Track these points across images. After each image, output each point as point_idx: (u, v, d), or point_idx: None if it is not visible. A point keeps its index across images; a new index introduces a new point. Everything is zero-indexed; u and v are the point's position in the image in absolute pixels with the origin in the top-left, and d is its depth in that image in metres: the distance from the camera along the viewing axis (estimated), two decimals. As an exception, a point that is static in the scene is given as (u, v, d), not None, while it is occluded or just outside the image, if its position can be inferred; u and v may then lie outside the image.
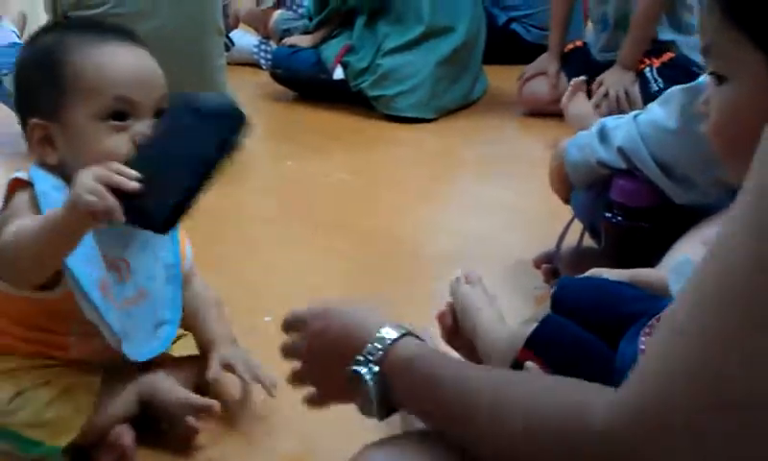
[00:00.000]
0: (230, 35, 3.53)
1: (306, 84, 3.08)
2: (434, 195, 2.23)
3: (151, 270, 1.10)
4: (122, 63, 1.03)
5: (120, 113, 1.00)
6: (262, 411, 1.18)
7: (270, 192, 2.25)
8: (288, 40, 3.12)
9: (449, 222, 2.04)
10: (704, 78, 1.32)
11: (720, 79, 0.70)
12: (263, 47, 3.61)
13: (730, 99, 0.69)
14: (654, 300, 0.96)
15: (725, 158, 0.72)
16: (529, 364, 0.89)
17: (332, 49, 2.96)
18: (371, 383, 0.76)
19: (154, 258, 1.11)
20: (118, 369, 1.10)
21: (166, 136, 0.96)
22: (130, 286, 1.07)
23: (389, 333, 0.78)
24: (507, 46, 3.56)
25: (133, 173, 0.89)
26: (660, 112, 1.33)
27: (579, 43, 2.91)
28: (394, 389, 0.76)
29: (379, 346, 0.77)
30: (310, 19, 3.12)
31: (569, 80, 2.78)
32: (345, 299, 0.87)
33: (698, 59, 2.61)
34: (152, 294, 1.10)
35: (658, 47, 2.61)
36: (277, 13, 3.49)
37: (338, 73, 2.92)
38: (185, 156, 0.92)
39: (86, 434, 1.03)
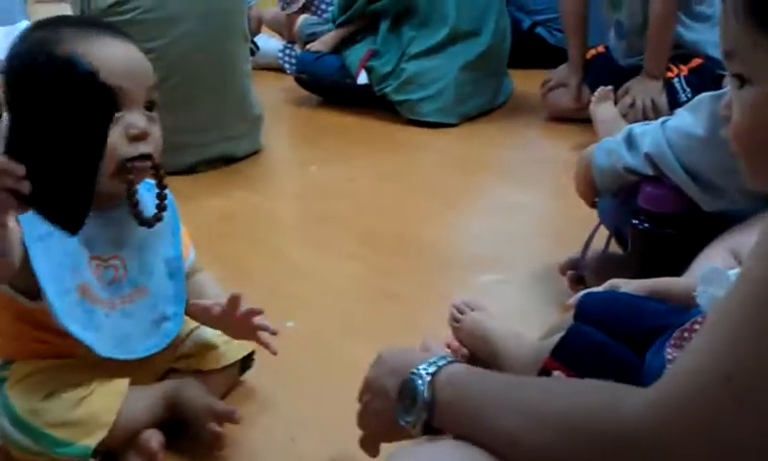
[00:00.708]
0: (255, 39, 3.55)
1: (331, 89, 3.09)
2: (459, 200, 2.23)
3: (150, 265, 1.10)
4: (111, 54, 1.02)
5: None
6: (285, 413, 1.19)
7: (294, 197, 2.26)
8: (311, 46, 3.14)
9: (474, 227, 2.04)
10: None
11: (742, 81, 0.69)
12: (288, 52, 3.62)
13: (751, 101, 0.69)
14: (677, 313, 0.95)
15: (746, 161, 0.72)
16: (556, 374, 0.89)
17: (356, 54, 2.96)
18: (421, 389, 0.78)
19: (153, 254, 1.11)
20: (145, 372, 1.11)
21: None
22: (125, 284, 1.07)
23: (438, 361, 0.80)
24: (531, 50, 3.55)
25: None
26: (688, 119, 1.32)
27: (601, 48, 2.87)
28: (441, 400, 0.78)
29: (431, 366, 0.79)
30: (334, 22, 3.12)
31: (592, 90, 2.77)
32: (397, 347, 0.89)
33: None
34: (151, 290, 1.10)
35: (683, 52, 2.58)
36: (302, 18, 3.50)
37: (362, 78, 2.93)
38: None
39: (115, 436, 1.04)
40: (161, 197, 1.10)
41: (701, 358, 0.61)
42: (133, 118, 1.02)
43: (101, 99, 0.83)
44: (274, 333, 1.11)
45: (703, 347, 0.62)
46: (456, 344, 1.28)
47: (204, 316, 1.12)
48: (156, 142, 1.08)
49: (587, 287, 1.27)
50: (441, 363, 0.79)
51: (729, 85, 0.73)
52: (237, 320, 1.10)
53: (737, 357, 0.58)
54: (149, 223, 1.07)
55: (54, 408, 1.01)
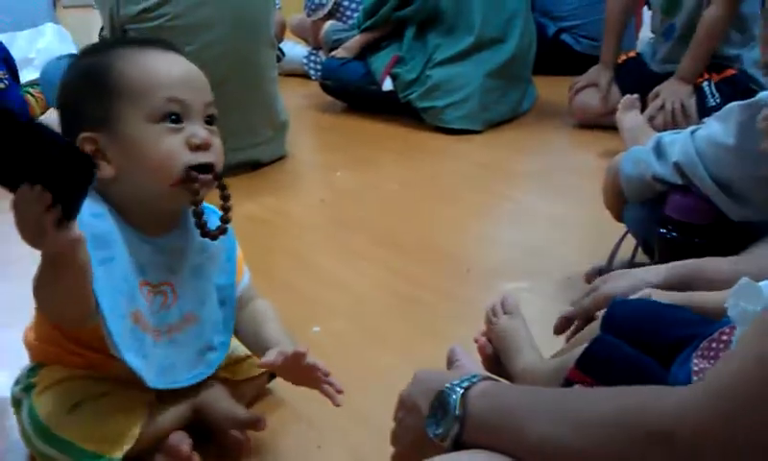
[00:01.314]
0: (281, 46, 3.57)
1: (355, 96, 3.10)
2: (484, 207, 2.23)
3: (202, 293, 1.08)
4: (169, 66, 1.02)
5: (173, 115, 0.99)
6: (311, 420, 1.19)
7: (319, 202, 2.27)
8: (335, 53, 3.15)
9: (500, 234, 2.04)
10: (762, 94, 1.30)
11: None
12: (312, 58, 3.64)
13: None
14: (706, 323, 0.94)
15: None
16: (577, 387, 0.89)
17: (382, 60, 2.97)
18: (453, 401, 0.78)
19: (206, 280, 1.09)
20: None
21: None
22: (174, 311, 1.05)
23: (472, 378, 0.81)
24: (557, 57, 3.54)
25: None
26: (717, 128, 1.31)
27: (632, 54, 2.87)
28: (475, 414, 0.78)
29: (465, 381, 0.80)
30: (359, 28, 3.14)
31: (622, 92, 2.76)
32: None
33: (760, 76, 2.56)
34: (201, 318, 1.08)
35: (719, 62, 2.57)
36: (328, 24, 3.52)
37: (387, 84, 2.94)
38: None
39: (142, 440, 1.04)
40: (226, 209, 1.07)
41: (743, 360, 0.61)
42: (195, 128, 1.00)
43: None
44: (340, 392, 1.08)
45: (751, 352, 0.62)
46: (483, 340, 1.28)
47: (265, 365, 1.08)
48: (219, 155, 1.05)
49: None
50: (475, 379, 0.80)
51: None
52: (300, 372, 1.07)
53: None
54: (212, 235, 1.04)
55: (80, 421, 1.01)
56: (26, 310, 1.09)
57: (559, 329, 1.20)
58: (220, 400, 1.11)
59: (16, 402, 1.08)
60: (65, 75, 1.05)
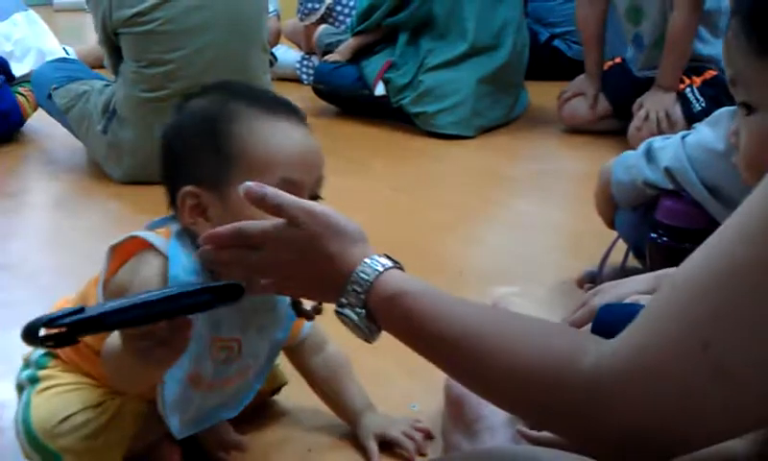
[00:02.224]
0: (274, 50, 3.57)
1: (348, 100, 3.10)
2: (475, 211, 2.23)
3: (257, 348, 1.06)
4: (292, 143, 0.96)
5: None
6: (302, 424, 1.19)
7: (311, 207, 2.26)
8: (328, 58, 3.15)
9: (491, 239, 2.04)
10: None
11: (749, 109, 0.69)
12: (305, 63, 3.64)
13: (759, 128, 0.69)
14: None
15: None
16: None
17: (374, 65, 2.97)
18: (357, 321, 0.78)
19: (266, 338, 1.07)
20: None
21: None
22: (234, 366, 1.04)
23: (373, 265, 0.79)
24: (549, 62, 3.56)
25: None
26: (708, 134, 1.32)
27: (618, 60, 2.88)
28: (381, 323, 0.78)
29: (365, 279, 0.78)
30: (352, 32, 3.14)
31: (609, 99, 2.78)
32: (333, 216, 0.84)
33: None
34: (252, 370, 1.07)
35: (698, 64, 2.58)
36: (321, 28, 3.52)
37: (379, 89, 2.94)
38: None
39: (132, 448, 1.04)
40: (297, 304, 1.03)
41: (678, 322, 0.59)
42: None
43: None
44: None
45: (679, 311, 0.59)
46: None
47: None
48: None
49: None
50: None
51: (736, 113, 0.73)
52: None
53: (719, 327, 0.56)
54: (309, 316, 1.00)
55: (69, 433, 1.00)
56: (24, 311, 1.09)
57: None
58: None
59: (20, 388, 1.09)
60: (180, 114, 1.01)
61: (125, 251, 0.98)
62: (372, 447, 1.12)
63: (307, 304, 0.97)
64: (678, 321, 0.58)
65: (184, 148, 0.98)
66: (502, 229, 2.12)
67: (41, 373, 1.07)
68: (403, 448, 1.12)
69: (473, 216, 2.20)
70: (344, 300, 0.79)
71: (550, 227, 2.07)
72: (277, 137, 0.96)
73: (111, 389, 1.04)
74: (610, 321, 1.02)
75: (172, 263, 0.93)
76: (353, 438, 1.15)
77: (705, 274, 0.59)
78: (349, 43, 3.08)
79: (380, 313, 0.77)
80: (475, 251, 1.96)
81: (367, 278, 0.78)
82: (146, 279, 0.93)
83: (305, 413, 1.21)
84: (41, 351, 1.08)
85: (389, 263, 0.79)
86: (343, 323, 0.80)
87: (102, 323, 0.74)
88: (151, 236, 0.96)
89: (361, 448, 1.13)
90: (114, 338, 0.89)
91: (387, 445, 1.13)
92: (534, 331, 0.69)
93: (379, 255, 0.80)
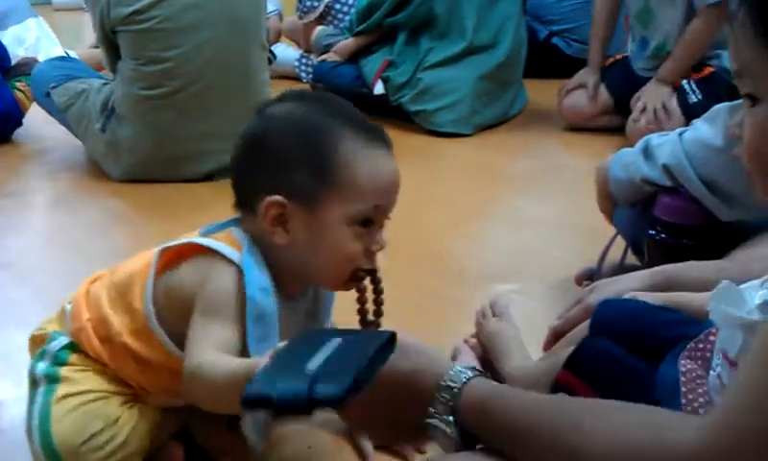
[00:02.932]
0: (273, 48, 3.57)
1: (346, 98, 3.08)
2: (475, 210, 2.23)
3: None
4: (386, 173, 0.98)
5: (368, 220, 0.97)
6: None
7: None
8: (327, 57, 3.15)
9: (490, 236, 2.04)
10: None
11: (754, 100, 0.69)
12: (304, 61, 3.64)
13: (763, 120, 0.69)
14: (693, 324, 0.95)
15: (758, 179, 0.71)
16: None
17: (373, 63, 2.97)
18: (448, 431, 0.78)
19: None
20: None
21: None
22: None
23: (459, 376, 0.79)
24: (547, 60, 3.55)
25: None
26: (705, 130, 1.33)
27: (620, 56, 2.89)
28: (472, 429, 0.78)
29: (452, 390, 0.78)
30: (350, 32, 3.14)
31: (610, 93, 2.79)
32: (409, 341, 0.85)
33: None
34: None
35: (697, 63, 2.59)
36: (319, 29, 3.52)
37: (378, 88, 2.94)
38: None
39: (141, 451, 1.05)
40: (379, 303, 1.06)
41: (751, 391, 0.62)
42: (378, 235, 0.99)
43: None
44: None
45: (751, 381, 0.62)
46: (472, 341, 1.29)
47: None
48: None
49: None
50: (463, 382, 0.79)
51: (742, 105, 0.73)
52: None
53: None
54: (375, 324, 1.05)
55: (93, 452, 1.00)
56: (23, 310, 1.09)
57: (548, 346, 1.20)
58: (210, 422, 1.11)
59: (33, 381, 1.06)
60: (276, 118, 0.99)
61: (178, 252, 0.98)
62: (368, 446, 1.12)
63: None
64: (751, 386, 0.62)
65: (280, 156, 0.96)
66: (502, 226, 2.12)
67: (62, 371, 1.05)
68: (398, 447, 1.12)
69: (473, 214, 2.20)
70: (432, 409, 0.79)
71: (549, 224, 2.07)
72: (377, 167, 0.97)
73: (127, 397, 1.04)
74: (608, 317, 1.02)
75: (249, 281, 0.93)
76: (352, 436, 1.15)
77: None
78: (348, 43, 3.08)
79: (471, 416, 0.78)
80: (475, 248, 1.97)
81: (455, 384, 0.79)
82: (225, 290, 0.93)
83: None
84: (61, 340, 1.06)
85: (474, 372, 0.80)
86: (430, 436, 0.80)
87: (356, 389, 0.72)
88: (223, 248, 0.95)
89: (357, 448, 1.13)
90: (224, 365, 0.87)
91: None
92: (630, 414, 0.71)
93: (462, 366, 0.81)
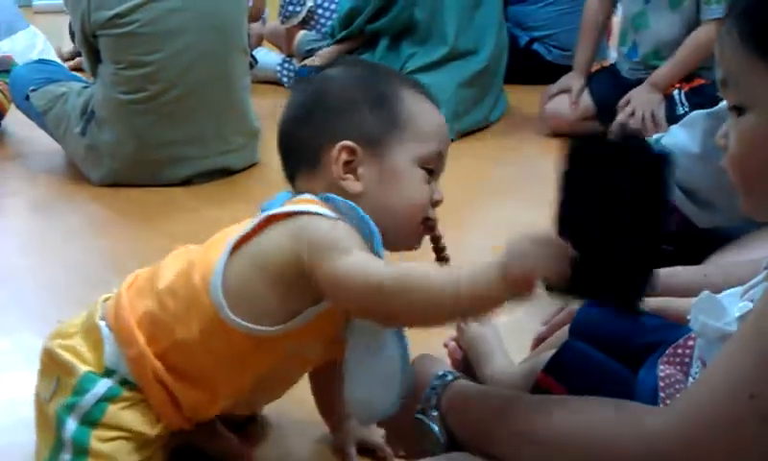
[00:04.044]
0: (254, 53, 3.56)
1: (329, 103, 3.10)
2: (456, 215, 2.23)
3: None
4: (443, 122, 1.02)
5: (431, 168, 0.98)
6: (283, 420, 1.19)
7: (292, 210, 2.26)
8: (310, 61, 3.15)
9: (473, 241, 2.04)
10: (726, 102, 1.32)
11: (739, 111, 0.70)
12: (286, 66, 3.63)
13: (748, 130, 0.70)
14: (673, 328, 0.96)
15: (743, 191, 0.72)
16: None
17: (355, 69, 2.98)
18: (433, 426, 0.84)
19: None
20: None
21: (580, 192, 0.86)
22: None
23: (442, 378, 0.86)
24: (528, 66, 3.57)
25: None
26: (683, 136, 1.34)
27: (606, 63, 2.90)
28: (453, 426, 0.84)
29: (436, 390, 0.85)
30: (333, 37, 3.14)
31: (594, 99, 2.79)
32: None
33: None
34: None
35: (690, 73, 2.61)
36: (301, 34, 3.51)
37: (360, 92, 2.94)
38: (613, 211, 0.80)
39: None
40: (443, 258, 1.08)
41: (726, 377, 0.64)
42: (437, 187, 1.00)
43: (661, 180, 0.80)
44: None
45: (727, 367, 0.64)
46: (453, 345, 1.30)
47: None
48: None
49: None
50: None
51: (727, 114, 0.74)
52: None
53: (762, 378, 0.61)
54: (447, 259, 1.07)
55: None
56: (2, 315, 1.07)
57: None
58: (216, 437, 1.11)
59: (58, 439, 0.97)
60: (326, 77, 1.01)
61: (257, 229, 0.95)
62: (351, 451, 1.12)
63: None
64: (726, 373, 0.65)
65: (343, 102, 0.97)
66: (483, 232, 2.12)
67: (93, 442, 0.97)
68: (382, 452, 1.13)
69: (454, 219, 2.19)
70: (419, 405, 0.86)
71: (530, 229, 2.08)
72: (435, 114, 1.00)
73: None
74: (588, 320, 1.03)
75: (366, 220, 0.91)
76: (334, 443, 1.15)
77: (749, 326, 0.65)
78: (332, 49, 3.08)
79: (452, 411, 0.85)
80: (456, 253, 1.96)
81: (440, 382, 0.87)
82: (350, 235, 0.90)
83: (288, 417, 1.21)
84: (97, 388, 0.97)
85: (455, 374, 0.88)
86: (418, 431, 0.86)
87: None
88: (319, 208, 0.92)
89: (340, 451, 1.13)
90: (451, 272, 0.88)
91: (367, 449, 1.13)
92: (606, 403, 0.75)
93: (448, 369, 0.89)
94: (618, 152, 0.79)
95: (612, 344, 0.97)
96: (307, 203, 0.94)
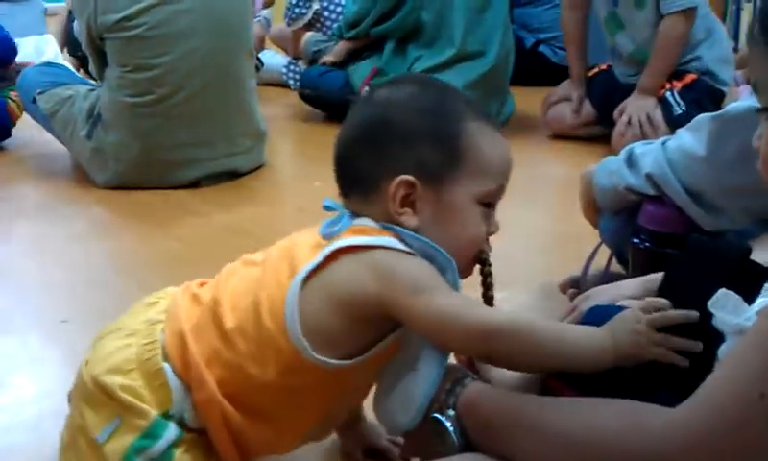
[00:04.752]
0: (260, 55, 3.57)
1: (335, 105, 3.10)
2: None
3: None
4: (507, 154, 0.99)
5: (490, 203, 0.98)
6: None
7: (298, 212, 2.27)
8: (325, 59, 3.15)
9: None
10: (732, 105, 1.32)
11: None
12: (292, 68, 3.64)
13: None
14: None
15: None
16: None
17: (361, 71, 2.98)
18: (450, 426, 0.86)
19: None
20: None
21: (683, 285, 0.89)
22: None
23: (460, 380, 0.89)
24: (534, 68, 3.57)
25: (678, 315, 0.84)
26: (689, 139, 1.33)
27: (603, 66, 2.90)
28: (468, 427, 0.85)
29: (453, 391, 0.88)
30: (340, 37, 3.15)
31: (593, 105, 2.80)
32: None
33: (724, 74, 2.59)
34: None
35: (678, 69, 2.60)
36: (309, 35, 3.52)
37: (366, 94, 2.95)
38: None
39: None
40: (488, 286, 1.05)
41: (735, 378, 0.64)
42: (495, 219, 1.00)
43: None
44: None
45: (736, 369, 0.64)
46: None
47: None
48: None
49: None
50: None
51: (757, 116, 0.75)
52: None
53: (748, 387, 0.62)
54: (491, 300, 1.03)
55: None
56: (7, 318, 1.07)
57: None
58: None
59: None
60: (386, 103, 0.97)
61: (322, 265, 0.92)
62: (358, 456, 1.12)
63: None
64: (736, 372, 0.65)
65: (405, 134, 0.94)
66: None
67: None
68: (390, 454, 1.12)
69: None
70: (436, 403, 0.88)
71: (534, 231, 2.08)
72: (498, 147, 0.98)
73: None
74: (595, 323, 1.03)
75: (440, 256, 0.92)
76: (342, 448, 1.15)
77: (760, 325, 0.65)
78: (343, 45, 3.09)
79: (466, 412, 0.87)
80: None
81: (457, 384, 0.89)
82: (429, 268, 0.91)
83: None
84: (167, 435, 0.91)
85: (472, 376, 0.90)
86: (434, 432, 0.88)
87: None
88: (392, 242, 0.92)
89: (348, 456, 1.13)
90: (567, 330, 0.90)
91: (375, 454, 1.13)
92: (611, 403, 0.76)
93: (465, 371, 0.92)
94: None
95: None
96: (377, 233, 0.93)
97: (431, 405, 0.89)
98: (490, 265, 1.02)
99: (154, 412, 0.91)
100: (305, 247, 0.95)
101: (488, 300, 1.03)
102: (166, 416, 0.92)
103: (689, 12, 2.51)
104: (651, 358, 0.83)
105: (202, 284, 1.01)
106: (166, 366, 0.93)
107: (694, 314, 0.83)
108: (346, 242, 0.91)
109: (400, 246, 0.91)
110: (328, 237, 0.94)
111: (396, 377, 0.94)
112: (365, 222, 0.94)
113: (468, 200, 0.95)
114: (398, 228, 0.93)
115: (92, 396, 0.94)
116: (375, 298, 0.89)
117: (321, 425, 1.01)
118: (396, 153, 0.94)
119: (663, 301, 0.88)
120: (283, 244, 0.99)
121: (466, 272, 1.00)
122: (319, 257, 0.91)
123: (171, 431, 0.92)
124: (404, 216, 0.93)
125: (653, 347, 0.83)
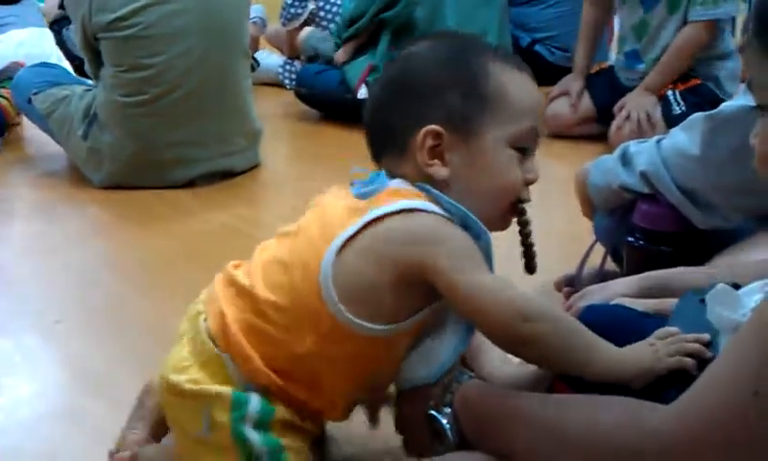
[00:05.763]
0: (256, 55, 3.57)
1: (331, 104, 3.10)
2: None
3: None
4: (537, 94, 0.96)
5: (523, 147, 0.94)
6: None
7: (294, 212, 2.25)
8: (338, 57, 3.11)
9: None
10: (725, 104, 1.33)
11: (763, 110, 0.71)
12: (288, 67, 3.64)
13: None
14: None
15: None
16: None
17: (357, 68, 2.98)
18: (444, 422, 0.87)
19: None
20: None
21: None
22: None
23: (457, 378, 0.90)
24: (530, 67, 3.56)
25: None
26: (682, 138, 1.34)
27: (605, 65, 2.91)
28: (465, 424, 0.86)
29: (450, 388, 0.89)
30: (340, 38, 3.15)
31: (594, 101, 2.80)
32: None
33: (730, 88, 2.60)
34: None
35: (685, 73, 2.61)
36: (306, 31, 3.50)
37: (362, 93, 2.94)
38: None
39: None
40: (530, 255, 1.05)
41: (729, 375, 0.64)
42: (534, 165, 0.96)
43: None
44: None
45: (731, 363, 0.64)
46: None
47: None
48: None
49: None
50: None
51: (752, 114, 0.75)
52: None
53: (766, 375, 0.61)
54: (533, 270, 1.03)
55: None
56: (4, 319, 1.07)
57: None
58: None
59: (247, 454, 0.91)
60: (412, 55, 0.96)
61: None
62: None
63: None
64: (730, 369, 0.66)
65: (429, 84, 0.93)
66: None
67: (282, 440, 0.92)
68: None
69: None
70: (432, 401, 0.89)
71: (533, 230, 2.07)
72: (527, 87, 0.95)
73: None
74: (592, 322, 1.03)
75: (477, 226, 0.91)
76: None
77: (754, 322, 0.65)
78: (344, 50, 3.08)
79: (463, 409, 0.88)
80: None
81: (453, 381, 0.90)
82: (473, 250, 0.91)
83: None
84: (251, 398, 0.91)
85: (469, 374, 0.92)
86: (430, 428, 0.89)
87: None
88: (430, 205, 0.90)
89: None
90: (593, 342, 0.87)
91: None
92: (610, 400, 0.77)
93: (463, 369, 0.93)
94: None
95: (616, 345, 0.97)
96: (413, 196, 0.90)
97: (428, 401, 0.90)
98: (528, 220, 1.00)
99: (227, 389, 0.91)
100: (339, 208, 0.94)
101: (528, 250, 1.01)
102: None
103: (713, 25, 2.53)
104: (667, 368, 0.82)
105: (237, 266, 1.00)
106: (216, 351, 0.92)
107: (705, 336, 0.83)
108: (383, 209, 0.89)
109: (438, 210, 0.90)
110: (363, 197, 0.92)
111: (420, 339, 0.93)
112: (399, 184, 0.93)
113: (498, 144, 0.92)
114: (434, 190, 0.91)
115: (170, 402, 0.96)
116: (419, 264, 0.87)
117: (364, 392, 0.98)
118: (423, 105, 0.92)
119: (674, 329, 0.87)
120: (314, 210, 0.98)
121: (499, 223, 0.98)
122: (358, 225, 0.89)
123: (253, 398, 0.91)
124: (434, 167, 0.91)
125: (668, 358, 0.83)
